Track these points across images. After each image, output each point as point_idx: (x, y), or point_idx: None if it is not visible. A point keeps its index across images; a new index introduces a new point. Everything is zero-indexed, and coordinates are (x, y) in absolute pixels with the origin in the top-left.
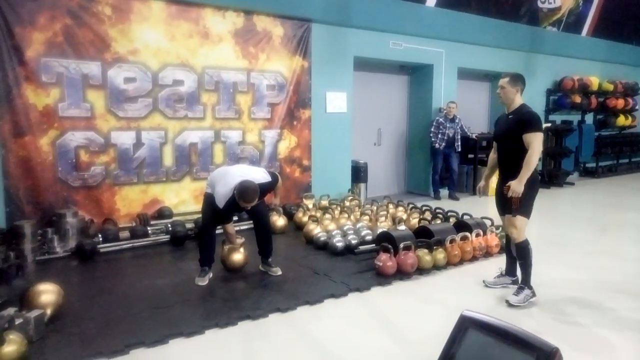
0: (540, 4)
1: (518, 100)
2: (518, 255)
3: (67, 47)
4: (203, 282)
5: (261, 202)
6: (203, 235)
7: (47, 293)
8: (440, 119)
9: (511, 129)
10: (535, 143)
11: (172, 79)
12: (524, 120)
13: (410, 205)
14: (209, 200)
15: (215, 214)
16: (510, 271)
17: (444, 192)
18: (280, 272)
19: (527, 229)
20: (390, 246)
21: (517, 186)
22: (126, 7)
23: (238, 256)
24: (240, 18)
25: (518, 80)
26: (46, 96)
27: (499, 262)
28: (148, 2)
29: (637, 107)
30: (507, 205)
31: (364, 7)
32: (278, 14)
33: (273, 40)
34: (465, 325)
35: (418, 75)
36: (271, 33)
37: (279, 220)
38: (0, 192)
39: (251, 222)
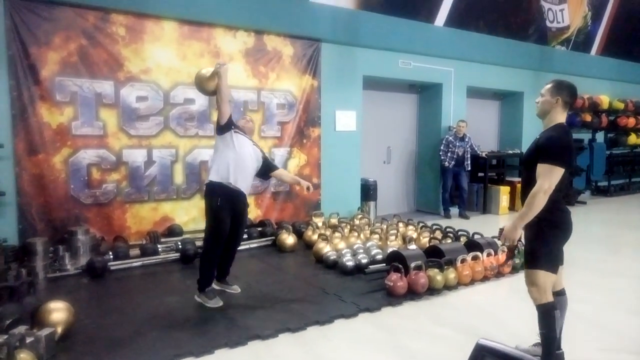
0: (548, 23)
1: (555, 116)
2: (539, 322)
3: (81, 66)
4: (218, 302)
5: (247, 212)
6: (212, 253)
7: (58, 311)
8: (450, 138)
9: (529, 154)
10: (543, 178)
11: (184, 98)
12: (539, 145)
13: (421, 224)
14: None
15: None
16: None
17: (454, 210)
18: (239, 290)
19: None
20: (401, 266)
21: (510, 231)
22: (139, 28)
23: None
24: (250, 38)
25: (562, 88)
26: (60, 115)
27: (511, 283)
28: (161, 22)
29: None
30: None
31: (373, 26)
32: (288, 33)
33: (283, 60)
34: (482, 355)
35: (427, 94)
36: (281, 52)
37: (289, 239)
38: (14, 209)
39: (262, 239)
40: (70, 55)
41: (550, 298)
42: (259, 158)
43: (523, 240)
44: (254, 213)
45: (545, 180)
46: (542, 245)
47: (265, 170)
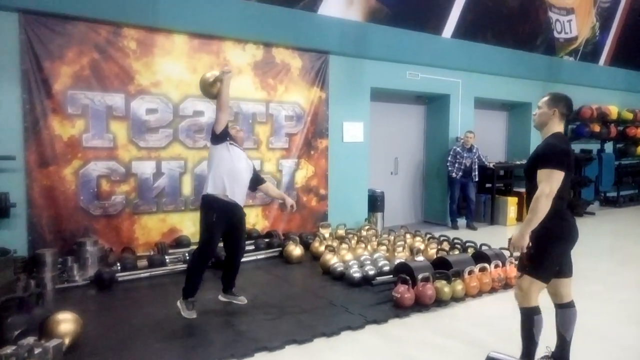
0: (556, 34)
1: (552, 126)
2: (520, 323)
3: (93, 80)
4: (192, 315)
5: (245, 222)
6: (200, 266)
7: (66, 322)
8: (458, 149)
9: (529, 163)
10: (544, 182)
11: (193, 110)
12: (538, 153)
13: (428, 236)
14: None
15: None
16: (561, 354)
17: (462, 221)
18: (246, 301)
19: None
20: (408, 277)
21: (517, 239)
22: (150, 42)
23: None
24: (259, 50)
25: (558, 101)
26: (71, 127)
27: None
28: (171, 36)
29: None
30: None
31: (380, 38)
32: (296, 46)
33: (291, 72)
34: None
35: (435, 105)
36: (289, 65)
37: (296, 250)
38: (24, 220)
39: (269, 251)
40: (82, 69)
41: (532, 304)
42: (251, 170)
43: None
44: (261, 224)
45: (546, 185)
46: (536, 253)
47: (254, 182)
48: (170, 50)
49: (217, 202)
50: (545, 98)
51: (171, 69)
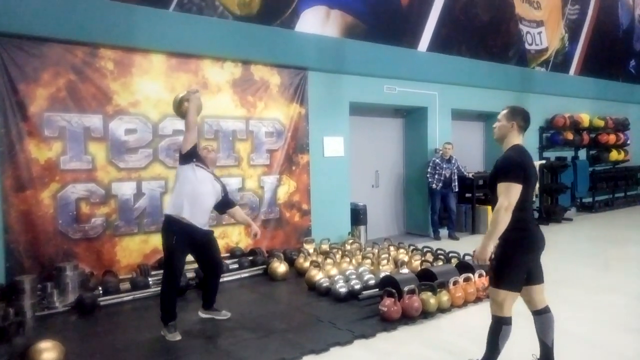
0: (527, 46)
1: (511, 138)
2: (489, 328)
3: (70, 101)
4: (175, 337)
5: (214, 238)
6: (169, 290)
7: (48, 351)
8: (437, 160)
9: (491, 176)
10: (503, 196)
11: (172, 129)
12: (497, 166)
13: (412, 247)
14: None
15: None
16: None
17: (444, 232)
18: (229, 314)
19: None
20: (394, 290)
21: (480, 251)
22: (128, 62)
23: None
24: (238, 68)
25: (516, 114)
26: (48, 150)
27: None
28: (149, 55)
29: (628, 142)
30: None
31: (357, 53)
32: (275, 63)
33: (270, 89)
34: None
35: (413, 117)
36: (268, 82)
37: (280, 267)
38: (1, 247)
39: (253, 268)
40: (58, 90)
41: (505, 314)
42: (218, 193)
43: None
44: (244, 242)
45: (505, 198)
46: (503, 265)
47: (223, 205)
48: (148, 70)
49: (176, 224)
50: (504, 111)
51: (149, 88)
